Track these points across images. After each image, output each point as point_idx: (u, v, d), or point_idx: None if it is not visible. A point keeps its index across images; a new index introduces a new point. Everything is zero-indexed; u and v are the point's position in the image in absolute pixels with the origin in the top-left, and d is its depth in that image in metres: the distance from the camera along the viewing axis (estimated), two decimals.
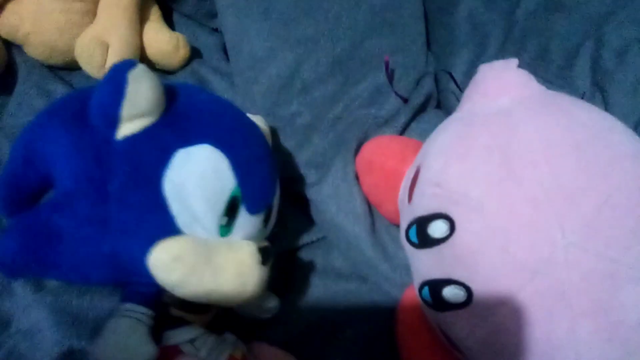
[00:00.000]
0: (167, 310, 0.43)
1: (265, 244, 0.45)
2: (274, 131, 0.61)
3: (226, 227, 0.42)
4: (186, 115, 0.42)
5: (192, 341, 0.43)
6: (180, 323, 0.43)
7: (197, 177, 0.40)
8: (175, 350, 0.42)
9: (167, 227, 0.39)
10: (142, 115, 0.39)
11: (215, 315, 0.48)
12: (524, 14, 0.64)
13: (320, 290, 0.56)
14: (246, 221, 0.43)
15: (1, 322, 0.51)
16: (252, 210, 0.43)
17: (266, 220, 0.47)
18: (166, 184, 0.39)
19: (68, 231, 0.39)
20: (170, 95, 0.42)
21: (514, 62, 0.45)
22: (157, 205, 0.39)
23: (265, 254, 0.42)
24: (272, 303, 0.50)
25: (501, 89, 0.44)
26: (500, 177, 0.40)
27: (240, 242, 0.42)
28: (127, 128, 0.39)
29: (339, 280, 0.57)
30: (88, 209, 0.39)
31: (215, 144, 0.41)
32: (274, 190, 0.47)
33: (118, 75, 0.38)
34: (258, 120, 0.52)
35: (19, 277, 0.44)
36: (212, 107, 0.45)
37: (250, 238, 0.44)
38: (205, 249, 0.39)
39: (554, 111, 0.42)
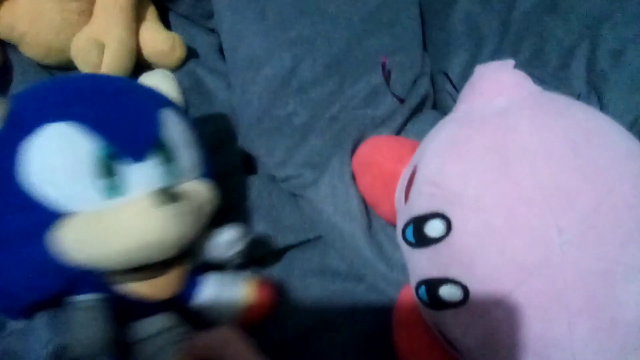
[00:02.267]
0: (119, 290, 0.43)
1: (166, 186, 0.42)
2: (270, 131, 0.61)
3: (112, 189, 0.40)
4: (23, 109, 0.41)
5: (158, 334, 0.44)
6: (146, 310, 0.44)
7: (48, 159, 0.39)
8: None
9: (51, 215, 0.39)
10: None
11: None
12: (520, 15, 0.64)
13: (317, 289, 0.56)
14: (138, 171, 0.41)
15: None
16: (135, 157, 0.41)
17: (168, 161, 0.44)
18: (26, 178, 0.39)
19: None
20: (16, 98, 0.42)
21: (510, 63, 0.46)
22: (28, 201, 0.39)
23: (162, 195, 0.40)
24: (226, 236, 0.48)
25: (497, 89, 0.44)
26: (497, 177, 0.40)
27: (133, 196, 0.41)
28: None
29: (335, 279, 0.57)
30: None
31: (58, 119, 0.40)
32: (153, 129, 0.44)
33: None
34: (158, 75, 0.53)
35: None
36: (48, 87, 0.44)
37: (160, 183, 0.42)
38: (98, 217, 0.39)
39: (550, 112, 0.42)
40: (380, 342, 0.52)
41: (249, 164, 0.65)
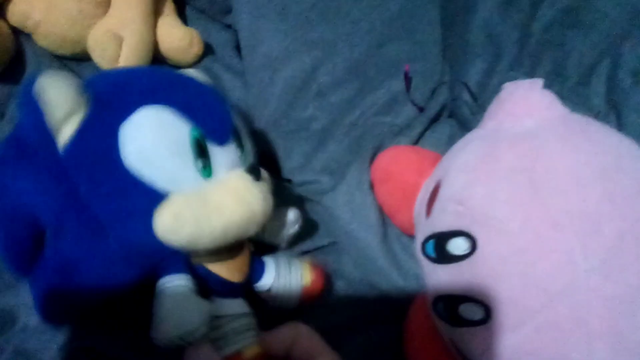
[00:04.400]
0: (202, 271, 0.44)
1: (250, 163, 0.46)
2: (288, 134, 0.61)
3: (206, 169, 0.42)
4: (112, 94, 0.41)
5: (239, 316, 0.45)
6: (221, 294, 0.45)
7: (151, 139, 0.40)
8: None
9: (152, 197, 0.39)
10: (69, 115, 0.39)
11: None
12: (540, 28, 0.64)
13: (330, 295, 0.56)
14: (221, 155, 0.43)
15: (7, 319, 0.50)
16: (220, 141, 0.44)
17: (240, 146, 0.47)
18: (127, 161, 0.39)
19: (74, 251, 0.40)
20: (90, 84, 0.42)
21: (539, 82, 0.46)
22: (130, 184, 0.39)
23: (254, 171, 0.43)
24: (291, 213, 0.52)
25: (527, 109, 0.44)
26: (525, 200, 0.40)
27: (226, 174, 0.43)
28: (64, 134, 0.39)
29: (349, 286, 0.57)
30: (77, 223, 0.40)
31: (150, 102, 0.41)
32: (230, 116, 0.47)
33: (27, 93, 0.38)
34: (193, 72, 0.53)
35: (67, 321, 0.45)
36: (131, 75, 0.45)
37: (233, 167, 0.44)
38: (198, 196, 0.40)
39: (579, 136, 0.42)
40: (391, 352, 0.53)
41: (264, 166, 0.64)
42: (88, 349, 0.48)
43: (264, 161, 0.64)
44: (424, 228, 0.48)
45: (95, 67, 0.63)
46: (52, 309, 0.42)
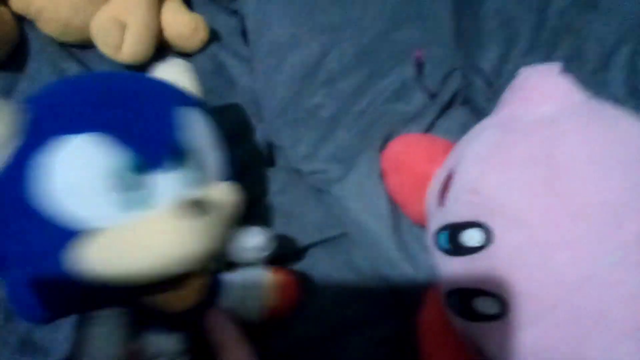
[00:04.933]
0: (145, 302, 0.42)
1: (191, 196, 0.39)
2: (296, 122, 0.59)
3: (137, 202, 0.38)
4: (41, 119, 0.38)
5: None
6: (161, 323, 0.43)
7: (66, 175, 0.36)
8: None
9: (74, 234, 0.36)
10: None
11: None
12: (557, 11, 0.62)
13: (339, 288, 0.55)
14: (164, 180, 0.39)
15: (11, 310, 0.50)
16: (158, 167, 0.39)
17: (193, 165, 0.42)
18: (44, 196, 0.36)
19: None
20: (29, 107, 0.39)
21: (557, 67, 0.44)
22: (49, 222, 0.36)
23: (186, 208, 0.38)
24: (253, 241, 0.47)
25: (544, 95, 0.43)
26: (544, 189, 0.38)
27: (154, 210, 0.38)
28: None
29: (359, 278, 0.56)
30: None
31: (77, 130, 0.37)
32: (172, 138, 0.41)
33: None
34: (174, 66, 0.50)
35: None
36: (66, 93, 0.40)
37: (183, 192, 0.40)
38: (119, 234, 0.37)
39: (599, 123, 0.40)
40: (403, 345, 0.52)
41: (272, 155, 0.63)
42: None
43: (271, 150, 0.63)
44: (437, 219, 0.46)
45: (99, 54, 0.62)
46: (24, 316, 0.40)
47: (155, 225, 0.37)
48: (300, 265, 0.56)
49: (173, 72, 0.49)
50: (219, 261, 0.46)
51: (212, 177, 0.44)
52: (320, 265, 0.56)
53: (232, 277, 0.47)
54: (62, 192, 0.36)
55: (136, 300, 0.42)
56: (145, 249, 0.37)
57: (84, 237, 0.36)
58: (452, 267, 0.44)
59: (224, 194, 0.43)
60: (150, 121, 0.40)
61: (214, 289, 0.46)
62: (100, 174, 0.37)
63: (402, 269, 0.53)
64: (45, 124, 0.38)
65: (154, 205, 0.38)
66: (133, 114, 0.40)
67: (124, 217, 0.37)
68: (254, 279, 0.48)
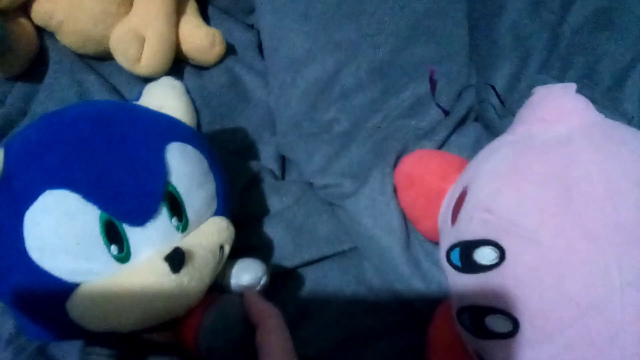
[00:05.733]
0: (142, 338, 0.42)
1: (173, 247, 0.38)
2: (309, 136, 0.60)
3: (121, 254, 0.38)
4: (19, 170, 0.37)
5: None
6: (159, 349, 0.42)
7: (52, 231, 0.36)
8: None
9: (60, 290, 0.36)
10: None
11: None
12: (571, 30, 0.62)
13: (350, 301, 0.55)
14: (144, 233, 0.39)
15: None
16: (137, 222, 0.38)
17: (179, 210, 0.41)
18: (32, 253, 0.36)
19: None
20: (7, 153, 0.38)
21: (573, 86, 0.44)
22: (38, 277, 0.36)
23: (173, 260, 0.37)
24: (248, 278, 0.46)
25: (560, 114, 0.43)
26: (558, 210, 0.38)
27: (142, 262, 0.38)
28: None
29: (370, 292, 0.56)
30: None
31: (55, 185, 0.36)
32: (161, 178, 0.40)
33: None
34: (165, 84, 0.48)
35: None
36: (42, 141, 0.39)
37: (169, 240, 0.40)
38: (106, 288, 0.37)
39: (615, 143, 0.40)
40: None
41: (285, 167, 0.64)
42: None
43: (284, 163, 0.64)
44: (449, 236, 0.47)
45: (117, 66, 0.63)
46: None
47: (143, 278, 0.37)
48: (310, 278, 0.56)
49: (164, 93, 0.48)
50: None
51: (200, 217, 0.43)
52: (331, 279, 0.56)
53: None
54: (44, 247, 0.36)
55: (131, 338, 0.41)
56: (135, 301, 0.37)
57: (74, 291, 0.36)
58: (464, 285, 0.44)
59: (213, 229, 0.43)
60: (130, 169, 0.39)
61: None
62: (79, 229, 0.36)
63: (413, 285, 0.53)
64: (22, 179, 0.37)
65: (139, 255, 0.38)
66: (111, 162, 0.38)
67: (111, 270, 0.37)
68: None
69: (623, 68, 0.57)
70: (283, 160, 0.64)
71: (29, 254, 0.36)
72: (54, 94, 0.62)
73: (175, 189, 0.41)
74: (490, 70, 0.64)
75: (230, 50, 0.69)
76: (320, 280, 0.56)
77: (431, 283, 0.53)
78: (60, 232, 0.36)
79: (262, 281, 0.47)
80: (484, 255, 0.42)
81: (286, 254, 0.55)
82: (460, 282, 0.45)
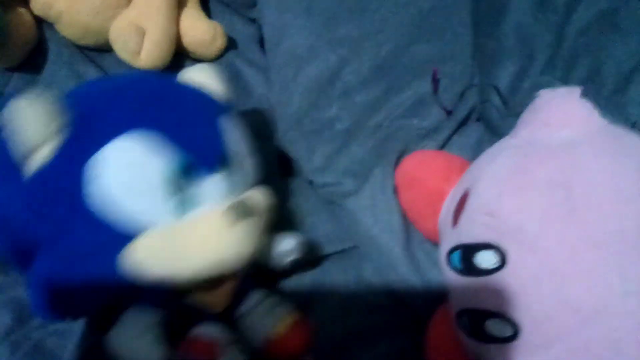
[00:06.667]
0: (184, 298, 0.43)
1: (239, 198, 0.40)
2: (310, 134, 0.59)
3: (185, 203, 0.39)
4: (89, 118, 0.38)
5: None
6: (202, 316, 0.44)
7: (122, 177, 0.37)
8: (213, 346, 0.42)
9: (121, 236, 0.37)
10: (39, 145, 0.36)
11: None
12: (575, 31, 0.62)
13: (348, 302, 0.55)
14: (207, 185, 0.40)
15: (25, 312, 0.50)
16: (206, 171, 0.40)
17: (232, 172, 0.43)
18: (95, 199, 0.37)
19: (62, 273, 0.38)
20: (70, 104, 0.38)
21: (577, 91, 0.43)
22: (97, 224, 0.37)
23: (237, 210, 0.39)
24: (286, 245, 0.49)
25: (564, 119, 0.42)
26: (561, 215, 0.38)
27: (205, 212, 0.39)
28: (35, 162, 0.37)
29: (369, 292, 0.56)
30: (61, 249, 0.38)
31: (130, 131, 0.38)
32: (219, 142, 0.43)
33: (2, 118, 0.35)
34: (199, 70, 0.49)
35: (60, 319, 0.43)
36: (115, 94, 0.41)
37: (224, 196, 0.41)
38: (169, 237, 0.38)
39: (619, 150, 0.40)
40: None
41: (285, 165, 0.63)
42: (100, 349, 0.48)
43: (284, 161, 0.63)
44: (450, 238, 0.46)
45: (117, 59, 0.62)
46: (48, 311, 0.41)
47: (207, 226, 0.38)
48: (310, 277, 0.56)
49: (202, 77, 0.49)
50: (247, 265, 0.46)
51: (250, 182, 0.45)
52: (330, 278, 0.56)
53: (262, 294, 0.49)
54: (116, 190, 0.37)
55: (175, 299, 0.43)
56: (197, 250, 0.38)
57: (135, 238, 0.37)
58: (464, 287, 0.44)
59: (261, 198, 0.43)
60: (197, 124, 0.41)
61: (239, 296, 0.47)
62: (153, 175, 0.37)
63: (412, 285, 0.53)
64: (95, 122, 0.38)
65: (201, 207, 0.39)
66: (181, 116, 0.40)
67: (175, 218, 0.38)
68: (275, 308, 0.48)
69: (627, 71, 0.57)
70: (284, 157, 0.63)
71: (101, 195, 0.36)
72: (53, 85, 0.62)
73: (231, 149, 0.43)
74: (493, 70, 0.64)
75: (231, 44, 0.68)
76: (320, 279, 0.56)
77: (430, 284, 0.53)
78: (134, 176, 0.37)
79: (295, 252, 0.49)
80: (485, 259, 0.41)
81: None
82: (461, 284, 0.44)
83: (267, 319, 0.47)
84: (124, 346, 0.41)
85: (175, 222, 0.38)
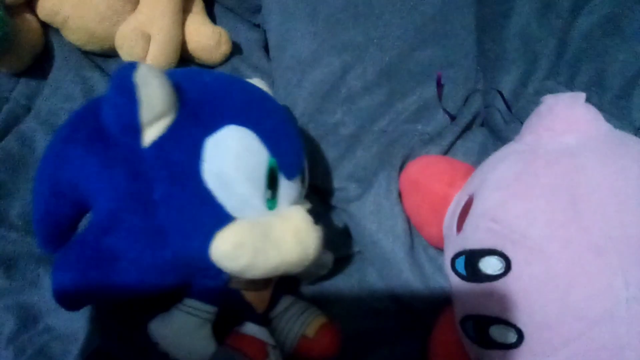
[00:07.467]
0: (236, 295, 0.44)
1: (308, 205, 0.45)
2: (314, 139, 0.59)
3: (272, 200, 0.42)
4: (201, 103, 0.40)
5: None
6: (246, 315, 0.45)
7: (232, 160, 0.39)
8: (264, 344, 0.44)
9: (220, 217, 0.39)
10: (161, 116, 0.38)
11: None
12: (579, 35, 0.61)
13: (352, 307, 0.55)
14: (288, 188, 0.43)
15: (29, 315, 0.50)
16: (290, 176, 0.43)
17: (302, 181, 0.47)
18: (206, 176, 0.39)
19: (124, 249, 0.39)
20: (179, 86, 0.40)
21: (582, 96, 0.43)
22: (204, 200, 0.39)
23: (312, 215, 0.42)
24: (328, 256, 0.52)
25: (568, 125, 0.42)
26: (565, 221, 0.38)
27: (289, 210, 0.42)
28: (150, 133, 0.38)
29: (372, 296, 0.56)
30: (139, 223, 0.39)
31: (238, 122, 0.40)
32: (302, 151, 0.47)
33: (125, 82, 0.36)
34: (258, 82, 0.52)
35: (79, 308, 0.43)
36: (222, 86, 0.43)
37: (294, 202, 0.44)
38: (261, 228, 0.39)
39: (623, 155, 0.40)
40: None
41: None
42: (104, 354, 0.48)
43: None
44: (454, 243, 0.46)
45: (122, 64, 0.62)
46: (71, 294, 0.41)
47: (300, 220, 0.41)
48: (314, 282, 0.56)
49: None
50: None
51: (303, 195, 0.48)
52: (334, 282, 0.56)
53: (292, 298, 0.50)
54: (219, 175, 0.39)
55: (225, 298, 0.44)
56: (281, 245, 0.39)
57: (232, 224, 0.39)
58: (469, 293, 0.44)
59: (308, 206, 0.46)
60: (287, 134, 0.44)
61: (273, 301, 0.48)
62: (255, 165, 0.40)
63: (416, 290, 0.53)
64: (207, 107, 0.40)
65: (279, 207, 0.42)
66: (274, 123, 0.43)
67: (262, 212, 0.41)
68: (304, 312, 0.49)
69: (631, 76, 0.57)
70: None
71: (205, 179, 0.38)
72: (59, 90, 0.62)
73: (305, 163, 0.47)
74: (497, 75, 0.64)
75: (236, 49, 0.68)
76: (323, 284, 0.56)
77: (434, 289, 0.53)
78: (236, 165, 0.39)
79: (328, 265, 0.53)
80: (490, 265, 0.42)
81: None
82: (465, 290, 0.44)
83: (298, 322, 0.48)
84: (177, 340, 0.42)
85: (262, 215, 0.40)
